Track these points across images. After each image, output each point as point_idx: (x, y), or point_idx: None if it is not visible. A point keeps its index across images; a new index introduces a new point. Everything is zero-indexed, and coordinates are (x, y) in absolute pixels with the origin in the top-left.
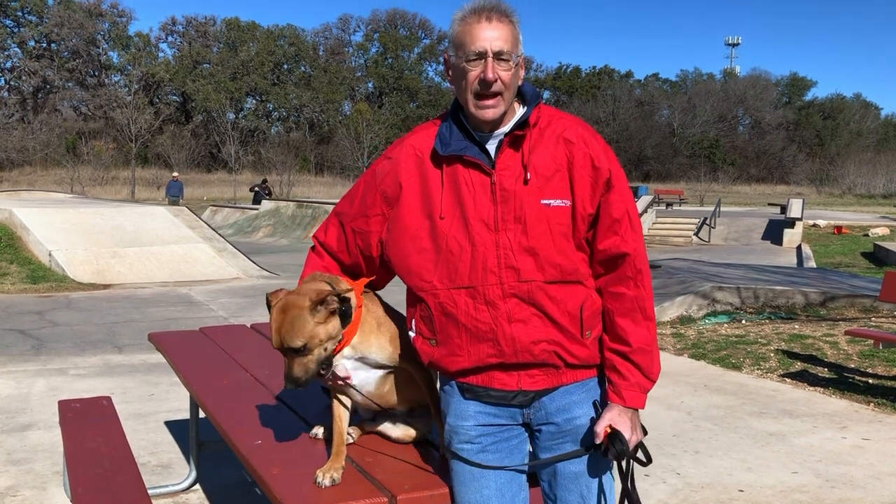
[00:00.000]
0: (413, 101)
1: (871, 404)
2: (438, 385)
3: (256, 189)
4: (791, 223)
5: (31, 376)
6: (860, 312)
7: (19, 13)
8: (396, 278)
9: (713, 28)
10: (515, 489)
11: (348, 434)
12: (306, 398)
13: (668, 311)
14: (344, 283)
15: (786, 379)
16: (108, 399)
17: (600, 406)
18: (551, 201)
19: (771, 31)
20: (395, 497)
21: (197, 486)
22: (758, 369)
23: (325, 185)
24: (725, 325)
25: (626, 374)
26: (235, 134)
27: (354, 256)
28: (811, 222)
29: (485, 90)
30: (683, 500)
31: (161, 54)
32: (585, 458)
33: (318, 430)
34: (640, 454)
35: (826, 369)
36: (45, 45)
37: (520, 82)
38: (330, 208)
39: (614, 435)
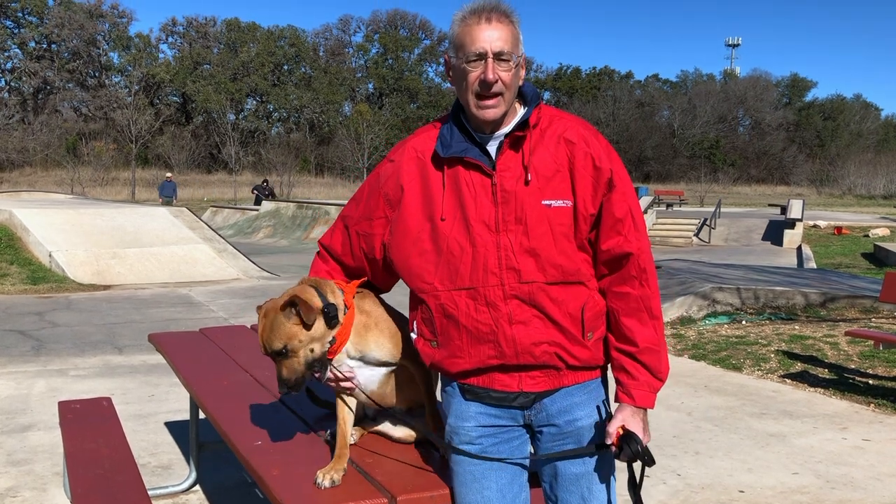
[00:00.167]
0: (413, 101)
1: (872, 405)
2: (440, 386)
3: (258, 189)
4: (791, 224)
5: (31, 377)
6: (860, 313)
7: (20, 14)
8: (402, 282)
9: (713, 29)
10: (516, 490)
11: (350, 434)
12: (306, 398)
13: (669, 312)
14: (333, 286)
15: (786, 380)
16: (109, 400)
17: (604, 408)
18: (552, 202)
19: (771, 32)
20: (396, 498)
21: (197, 486)
22: (758, 370)
23: (326, 185)
24: (726, 325)
25: (634, 373)
26: (236, 135)
27: (358, 260)
28: (811, 223)
29: (485, 91)
30: (684, 501)
31: (161, 55)
32: (587, 459)
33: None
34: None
35: (826, 370)
36: (45, 45)
37: (520, 83)
38: (330, 209)
39: (627, 436)
